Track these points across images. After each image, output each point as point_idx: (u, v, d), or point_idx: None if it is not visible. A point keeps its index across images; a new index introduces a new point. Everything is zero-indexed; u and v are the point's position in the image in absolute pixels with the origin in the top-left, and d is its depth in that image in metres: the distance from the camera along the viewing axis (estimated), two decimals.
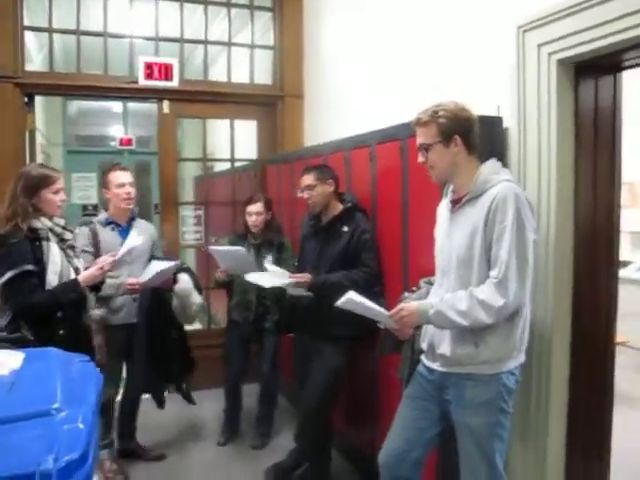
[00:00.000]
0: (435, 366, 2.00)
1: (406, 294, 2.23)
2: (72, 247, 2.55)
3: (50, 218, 2.42)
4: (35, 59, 5.30)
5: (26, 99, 3.89)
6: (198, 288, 3.21)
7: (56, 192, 2.42)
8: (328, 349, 2.75)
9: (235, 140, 4.54)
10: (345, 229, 2.77)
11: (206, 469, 3.25)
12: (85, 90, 4.06)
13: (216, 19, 4.68)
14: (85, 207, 8.34)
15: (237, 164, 4.70)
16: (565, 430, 2.28)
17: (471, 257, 1.87)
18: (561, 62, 2.14)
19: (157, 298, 3.06)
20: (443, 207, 2.07)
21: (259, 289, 3.21)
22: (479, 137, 1.96)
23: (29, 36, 4.25)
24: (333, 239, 2.80)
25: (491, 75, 2.48)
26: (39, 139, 6.42)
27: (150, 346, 3.02)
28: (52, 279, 2.32)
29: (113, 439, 3.18)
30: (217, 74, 4.89)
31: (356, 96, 3.62)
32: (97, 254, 2.93)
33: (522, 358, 1.95)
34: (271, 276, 2.85)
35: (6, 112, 3.72)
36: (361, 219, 2.80)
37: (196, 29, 4.47)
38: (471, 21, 2.61)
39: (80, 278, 2.38)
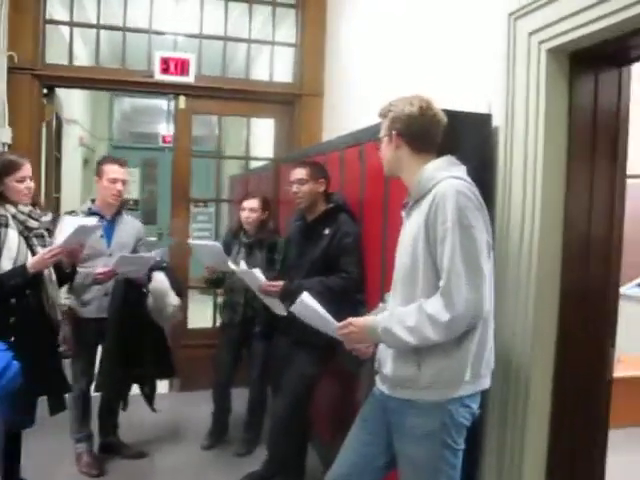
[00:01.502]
0: (382, 388, 1.80)
1: (381, 305, 2.05)
2: (41, 236, 2.51)
3: (15, 205, 2.39)
4: (80, 55, 5.44)
5: (46, 91, 3.96)
6: (177, 289, 3.11)
7: (21, 180, 2.40)
8: (302, 356, 2.60)
9: (263, 138, 4.46)
10: (326, 231, 2.61)
11: (184, 472, 3.16)
12: (103, 83, 4.09)
13: (254, 16, 4.59)
14: (126, 201, 8.61)
15: (259, 163, 4.62)
16: (544, 476, 2.01)
17: (414, 265, 1.67)
18: (552, 52, 1.90)
19: (130, 295, 2.95)
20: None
21: (247, 290, 3.08)
22: (430, 134, 1.77)
23: (74, 33, 4.31)
24: (314, 241, 2.64)
25: (484, 69, 2.26)
26: (79, 132, 6.67)
27: (119, 343, 2.92)
28: (5, 264, 2.30)
29: (91, 432, 3.14)
30: (259, 73, 4.84)
31: (376, 95, 3.44)
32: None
33: (483, 384, 1.71)
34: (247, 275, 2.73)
35: (24, 103, 3.78)
36: (345, 221, 2.62)
37: (236, 27, 4.39)
38: (466, 11, 2.41)
39: (28, 264, 2.33)
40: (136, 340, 2.97)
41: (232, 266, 2.84)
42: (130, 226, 3.16)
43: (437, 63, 2.68)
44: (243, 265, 2.79)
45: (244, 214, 3.30)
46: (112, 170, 3.01)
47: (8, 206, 2.37)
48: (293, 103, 4.39)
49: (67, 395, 2.72)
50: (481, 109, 2.22)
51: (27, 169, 2.44)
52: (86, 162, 7.69)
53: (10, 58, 3.68)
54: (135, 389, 3.15)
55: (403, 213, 1.82)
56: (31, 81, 3.81)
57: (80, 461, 3.06)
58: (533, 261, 1.95)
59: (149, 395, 3.14)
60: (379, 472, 1.85)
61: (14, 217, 2.37)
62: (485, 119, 2.17)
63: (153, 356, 3.07)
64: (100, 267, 2.89)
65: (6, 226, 2.32)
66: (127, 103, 9.00)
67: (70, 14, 4.00)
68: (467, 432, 1.70)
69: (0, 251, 2.28)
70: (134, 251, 3.09)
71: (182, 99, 4.19)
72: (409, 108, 1.75)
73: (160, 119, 9.24)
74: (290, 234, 2.89)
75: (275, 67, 4.46)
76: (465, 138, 2.15)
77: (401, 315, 1.64)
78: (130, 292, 2.97)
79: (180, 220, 4.32)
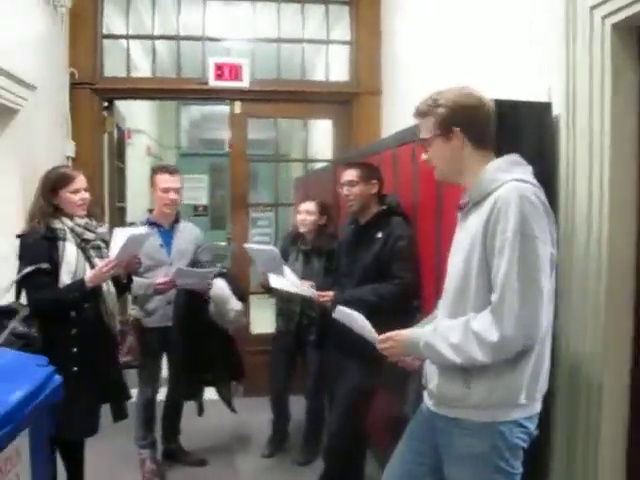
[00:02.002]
0: (429, 404, 1.66)
1: (434, 313, 1.91)
2: (98, 247, 2.53)
3: (71, 218, 2.42)
4: (140, 66, 5.58)
5: (106, 104, 4.06)
6: (239, 294, 3.08)
7: (75, 192, 2.41)
8: (353, 369, 2.48)
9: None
10: (379, 235, 2.48)
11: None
12: (160, 93, 4.16)
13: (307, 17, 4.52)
14: (196, 207, 8.79)
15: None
16: None
17: (468, 276, 1.51)
18: (618, 27, 1.68)
19: (193, 303, 2.97)
20: None
21: (304, 299, 3.00)
22: (490, 128, 1.58)
23: (133, 45, 4.43)
24: (366, 246, 2.52)
25: (543, 52, 2.06)
26: (146, 142, 6.86)
27: (186, 350, 2.95)
28: (65, 278, 2.32)
29: (155, 439, 3.18)
30: (315, 74, 4.78)
31: (435, 89, 3.27)
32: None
33: (537, 407, 1.54)
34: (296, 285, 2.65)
35: (86, 117, 3.91)
36: (398, 224, 2.48)
37: (293, 28, 4.34)
38: None
39: (86, 278, 2.34)
40: (203, 346, 3.01)
41: (273, 283, 2.76)
42: (188, 233, 3.18)
43: (494, 50, 2.51)
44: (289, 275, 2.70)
45: (300, 217, 3.22)
46: (163, 180, 3.03)
47: (65, 219, 2.39)
48: (350, 102, 4.28)
49: (133, 402, 2.79)
50: (542, 98, 2.02)
51: (81, 181, 2.46)
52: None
53: (71, 74, 3.80)
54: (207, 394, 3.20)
55: (459, 215, 1.65)
56: (91, 95, 3.93)
57: (143, 467, 3.09)
58: (602, 267, 1.74)
59: (226, 397, 3.16)
60: None
61: (71, 230, 2.39)
62: (544, 108, 1.98)
63: (222, 359, 3.10)
64: (161, 277, 2.91)
65: (64, 240, 2.34)
66: (194, 111, 9.19)
67: (126, 27, 4.08)
68: (526, 454, 1.54)
69: (59, 265, 2.31)
70: (194, 258, 3.09)
71: (237, 104, 4.18)
72: (468, 99, 1.56)
73: (225, 125, 9.33)
74: (342, 239, 2.78)
75: (331, 67, 4.36)
76: (522, 130, 1.98)
77: (445, 330, 1.50)
78: (192, 299, 2.98)
79: (239, 225, 4.31)
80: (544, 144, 1.97)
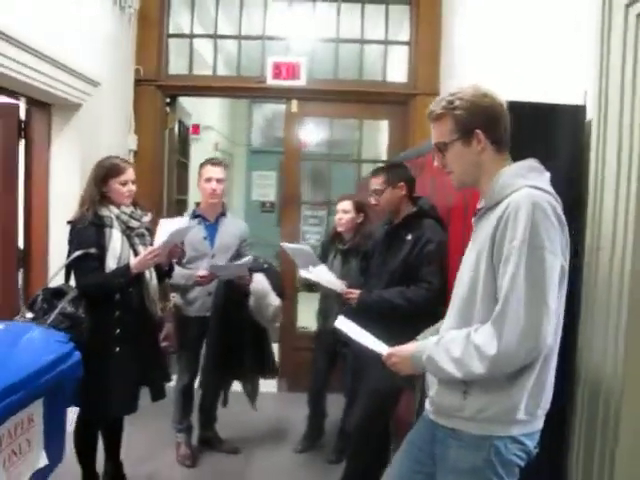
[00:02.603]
0: (429, 412, 1.62)
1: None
2: (141, 235, 2.65)
3: (118, 206, 2.54)
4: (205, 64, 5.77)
5: (168, 100, 4.25)
6: (278, 290, 3.13)
7: (124, 183, 2.52)
8: (373, 371, 2.45)
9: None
10: (409, 237, 2.45)
11: (273, 472, 3.17)
12: (218, 91, 4.29)
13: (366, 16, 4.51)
14: (264, 204, 8.98)
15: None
16: None
17: (475, 283, 1.45)
18: None
19: (232, 295, 3.04)
20: None
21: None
22: (507, 129, 1.51)
23: (203, 43, 4.61)
24: (396, 248, 2.49)
25: (579, 52, 1.95)
26: (214, 138, 7.08)
27: (220, 342, 3.02)
28: (110, 263, 2.44)
29: (191, 424, 3.29)
30: (372, 74, 4.74)
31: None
32: (181, 244, 3.05)
33: (538, 425, 1.46)
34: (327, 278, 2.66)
35: (149, 112, 4.11)
36: (429, 227, 2.44)
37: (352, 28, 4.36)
38: None
39: (131, 264, 2.45)
40: (237, 339, 3.07)
41: (303, 273, 2.79)
42: (233, 228, 3.24)
43: (537, 51, 2.39)
44: (317, 270, 2.72)
45: (337, 216, 3.23)
46: (206, 170, 3.13)
47: (112, 207, 2.52)
48: (407, 103, 4.23)
49: (172, 386, 2.92)
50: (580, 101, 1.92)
51: (130, 173, 2.57)
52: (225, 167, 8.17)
53: (136, 72, 4.01)
54: (237, 386, 3.25)
55: (473, 220, 1.59)
56: (155, 92, 4.12)
57: (178, 450, 3.21)
58: (625, 277, 1.63)
59: (250, 393, 3.22)
60: None
61: (117, 218, 2.51)
62: (578, 111, 1.87)
63: (254, 355, 3.15)
64: (202, 270, 2.99)
65: (110, 227, 2.47)
66: (267, 108, 9.39)
67: (191, 26, 4.24)
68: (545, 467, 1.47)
69: (105, 250, 2.44)
70: (238, 252, 3.16)
71: (294, 103, 4.24)
72: (485, 100, 1.48)
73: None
74: (376, 239, 2.76)
75: (388, 67, 4.33)
76: (555, 134, 1.89)
77: (448, 343, 1.45)
78: (232, 292, 3.06)
79: (290, 223, 4.37)
80: (577, 148, 1.87)
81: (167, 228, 2.54)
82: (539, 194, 1.38)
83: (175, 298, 3.13)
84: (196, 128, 6.26)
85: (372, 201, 2.59)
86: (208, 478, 3.09)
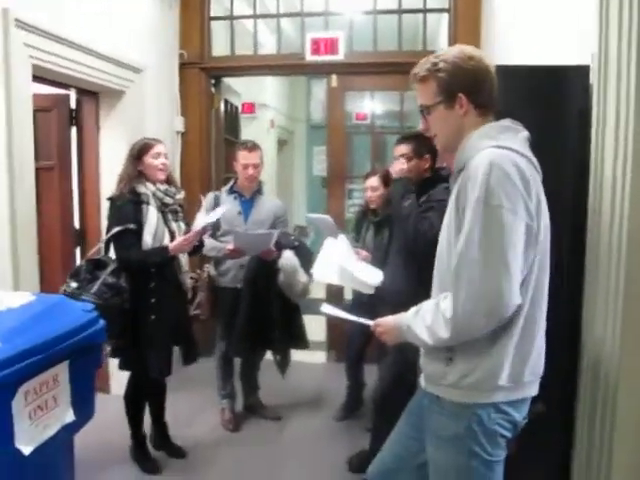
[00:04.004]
0: (421, 379, 1.65)
1: None
2: (175, 211, 2.80)
3: (154, 183, 2.70)
4: (267, 43, 5.86)
5: (213, 81, 4.39)
6: (308, 268, 3.15)
7: (156, 156, 2.68)
8: (393, 354, 2.48)
9: None
10: (423, 199, 2.43)
11: (310, 438, 3.28)
12: (260, 69, 4.38)
13: None
14: (324, 179, 9.04)
15: None
16: None
17: (448, 249, 1.44)
18: None
19: (263, 269, 3.14)
20: None
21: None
22: (494, 92, 1.47)
23: (261, 25, 4.68)
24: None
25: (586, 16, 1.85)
26: (271, 116, 7.20)
27: (250, 313, 3.13)
28: (147, 238, 2.62)
29: (234, 391, 3.46)
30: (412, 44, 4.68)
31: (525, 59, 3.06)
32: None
33: (528, 392, 1.45)
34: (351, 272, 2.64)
35: (194, 94, 4.27)
36: (443, 190, 2.39)
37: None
38: None
39: (170, 246, 2.63)
40: (267, 311, 3.18)
41: (316, 275, 2.80)
42: (269, 205, 3.32)
43: (560, 16, 2.28)
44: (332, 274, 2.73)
45: (367, 194, 3.23)
46: (243, 156, 3.21)
47: (148, 184, 2.68)
48: None
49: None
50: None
51: (161, 147, 2.73)
52: (284, 143, 8.29)
53: (180, 55, 4.17)
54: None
55: (450, 182, 1.57)
56: (199, 74, 4.26)
57: (222, 415, 3.41)
58: (623, 241, 1.57)
59: (280, 363, 3.33)
60: (419, 472, 1.66)
61: (153, 195, 2.67)
62: (582, 73, 1.80)
63: (284, 327, 3.24)
64: (231, 243, 3.10)
65: (147, 203, 2.64)
66: (325, 84, 9.39)
67: (231, 8, 4.34)
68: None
69: (143, 226, 2.62)
70: (272, 229, 3.21)
71: (334, 77, 4.26)
72: (470, 62, 1.44)
73: (354, 98, 9.37)
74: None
75: (429, 36, 4.23)
76: (563, 94, 1.84)
77: (424, 312, 1.46)
78: (263, 266, 3.16)
79: (336, 197, 4.42)
80: (582, 110, 1.81)
81: (201, 220, 2.78)
82: (503, 153, 1.34)
83: (209, 268, 3.27)
84: (250, 107, 6.41)
85: (398, 166, 2.57)
86: (249, 442, 3.25)
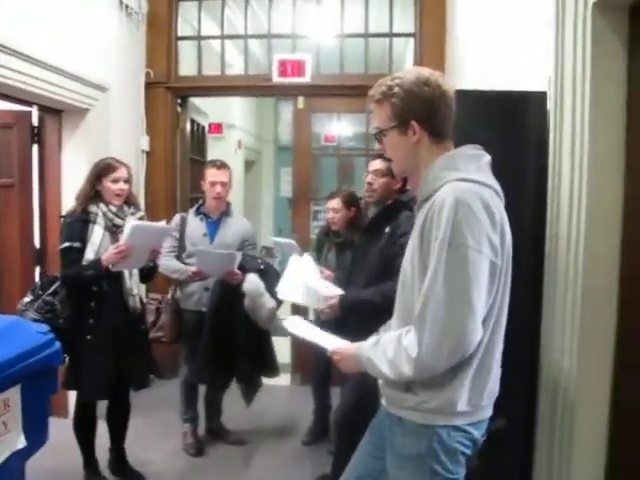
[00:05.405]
0: (383, 399, 1.64)
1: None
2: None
3: (107, 204, 2.66)
4: (235, 64, 5.89)
5: (180, 101, 4.38)
6: (274, 292, 3.13)
7: (114, 181, 2.65)
8: (354, 377, 2.45)
9: None
10: (387, 229, 2.45)
11: (277, 463, 3.23)
12: (227, 90, 4.40)
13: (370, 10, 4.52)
14: (291, 200, 9.06)
15: None
16: None
17: (409, 283, 1.44)
18: (600, 6, 1.52)
19: (228, 293, 3.06)
20: None
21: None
22: (449, 119, 1.45)
23: (229, 45, 4.70)
24: (374, 241, 2.50)
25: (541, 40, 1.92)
26: (237, 136, 7.21)
27: (214, 337, 3.05)
28: (89, 256, 2.58)
29: (196, 415, 3.38)
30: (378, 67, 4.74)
31: (486, 84, 3.14)
32: (181, 239, 3.15)
33: (484, 414, 1.45)
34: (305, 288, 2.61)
35: (160, 113, 4.25)
36: (406, 219, 2.42)
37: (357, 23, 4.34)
38: None
39: (102, 258, 2.55)
40: (231, 337, 3.08)
41: (281, 294, 2.74)
42: (235, 227, 3.25)
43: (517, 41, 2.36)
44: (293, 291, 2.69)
45: (329, 215, 3.25)
46: (211, 174, 3.17)
47: (101, 204, 2.65)
48: None
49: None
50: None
51: (122, 172, 2.68)
52: (252, 164, 8.28)
53: (147, 75, 4.15)
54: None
55: (414, 209, 1.57)
56: (165, 93, 4.25)
57: (184, 439, 3.33)
58: (579, 268, 1.61)
59: (245, 391, 3.23)
60: None
61: (104, 215, 2.64)
62: (539, 98, 1.85)
63: (250, 354, 3.14)
64: (194, 266, 3.02)
65: (94, 222, 2.61)
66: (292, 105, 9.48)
67: (198, 28, 4.36)
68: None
69: (86, 243, 2.59)
70: (239, 250, 3.13)
71: (300, 99, 4.30)
72: (425, 88, 1.41)
73: (322, 119, 9.48)
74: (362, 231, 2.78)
75: (394, 60, 4.32)
76: (520, 120, 1.88)
77: (385, 344, 1.44)
78: (228, 290, 3.06)
79: (300, 218, 4.43)
80: (540, 136, 1.85)
81: (128, 227, 2.57)
82: (467, 187, 1.33)
83: (172, 291, 3.20)
84: (217, 127, 6.40)
85: (368, 179, 2.57)
86: (212, 467, 3.17)
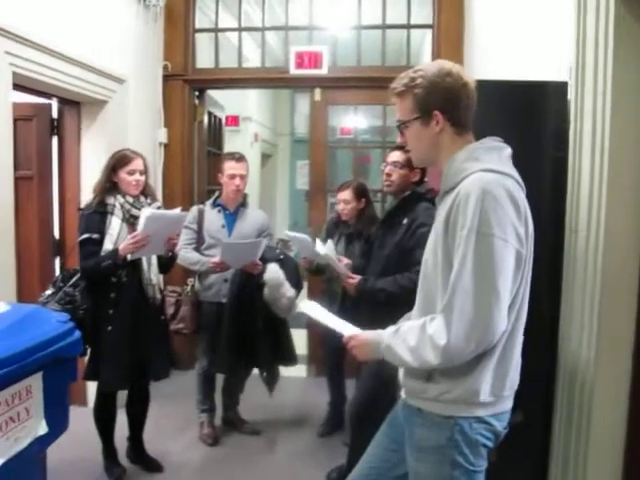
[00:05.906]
0: (402, 392, 1.64)
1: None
2: None
3: (124, 195, 2.68)
4: (252, 56, 5.88)
5: (197, 93, 4.39)
6: (295, 281, 3.14)
7: (130, 173, 2.66)
8: (370, 367, 2.46)
9: None
10: (404, 221, 2.45)
11: (291, 454, 3.25)
12: (244, 82, 4.40)
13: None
14: (308, 193, 9.06)
15: None
16: None
17: (433, 273, 1.44)
18: None
19: (247, 284, 3.08)
20: None
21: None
22: (471, 110, 1.46)
23: (246, 37, 4.67)
24: (392, 232, 2.50)
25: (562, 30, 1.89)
26: (254, 129, 7.22)
27: (234, 328, 3.07)
28: (108, 247, 2.59)
29: (213, 405, 3.41)
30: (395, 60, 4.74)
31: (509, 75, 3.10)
32: (199, 231, 3.17)
33: (505, 406, 1.45)
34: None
35: (177, 106, 4.27)
36: (424, 211, 2.42)
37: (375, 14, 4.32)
38: None
39: (120, 247, 2.56)
40: (251, 327, 3.10)
41: (318, 249, 2.76)
42: (253, 218, 3.28)
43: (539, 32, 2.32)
44: (325, 249, 2.72)
45: (339, 207, 3.24)
46: (230, 167, 3.18)
47: (118, 196, 2.66)
48: None
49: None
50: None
51: (137, 164, 2.69)
52: (268, 157, 8.29)
53: (164, 67, 4.17)
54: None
55: (436, 200, 1.55)
56: (183, 86, 4.26)
57: (201, 429, 3.36)
58: (599, 259, 1.59)
59: (267, 380, 3.25)
60: None
61: (121, 206, 2.66)
62: (560, 88, 1.83)
63: (271, 343, 3.17)
64: (215, 257, 3.03)
65: (111, 214, 2.63)
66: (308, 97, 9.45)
67: (215, 20, 4.37)
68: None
69: (104, 235, 2.61)
70: None
71: (317, 91, 4.28)
72: (447, 79, 1.43)
73: (338, 112, 9.46)
74: (379, 223, 2.78)
75: (412, 52, 4.29)
76: (540, 110, 1.86)
77: (406, 332, 1.44)
78: (247, 281, 3.09)
79: (317, 211, 4.43)
80: (559, 126, 1.83)
81: (144, 215, 2.56)
82: (492, 178, 1.34)
83: (193, 282, 3.23)
84: (234, 119, 6.41)
85: (387, 170, 2.57)
86: (229, 457, 3.19)
